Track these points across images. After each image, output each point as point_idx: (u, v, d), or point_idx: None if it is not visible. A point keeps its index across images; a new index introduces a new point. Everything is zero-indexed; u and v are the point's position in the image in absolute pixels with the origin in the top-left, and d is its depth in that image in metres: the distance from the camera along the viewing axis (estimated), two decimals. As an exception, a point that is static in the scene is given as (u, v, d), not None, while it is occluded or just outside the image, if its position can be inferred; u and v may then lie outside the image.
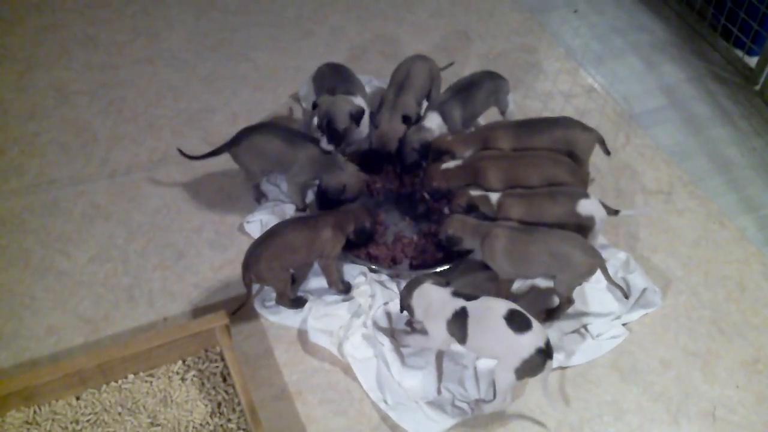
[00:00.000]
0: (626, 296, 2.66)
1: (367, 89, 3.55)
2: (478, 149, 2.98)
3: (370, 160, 3.15)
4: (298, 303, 2.77)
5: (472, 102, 3.13)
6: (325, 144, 2.84)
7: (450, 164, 2.91)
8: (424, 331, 2.56)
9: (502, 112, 3.27)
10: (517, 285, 2.83)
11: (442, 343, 2.50)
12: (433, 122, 3.06)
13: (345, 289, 2.80)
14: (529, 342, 2.31)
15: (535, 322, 2.35)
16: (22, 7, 4.18)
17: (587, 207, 2.68)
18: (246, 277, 2.63)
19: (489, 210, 2.74)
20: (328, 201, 2.92)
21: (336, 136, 2.85)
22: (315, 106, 2.97)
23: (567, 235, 2.57)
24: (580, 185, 2.82)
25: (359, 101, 3.00)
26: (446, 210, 2.99)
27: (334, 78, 3.11)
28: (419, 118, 3.15)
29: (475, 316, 2.38)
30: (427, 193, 2.98)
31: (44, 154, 3.38)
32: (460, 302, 2.43)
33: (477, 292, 2.49)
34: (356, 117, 2.90)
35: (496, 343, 2.35)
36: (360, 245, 2.89)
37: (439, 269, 2.83)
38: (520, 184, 2.81)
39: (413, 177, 3.17)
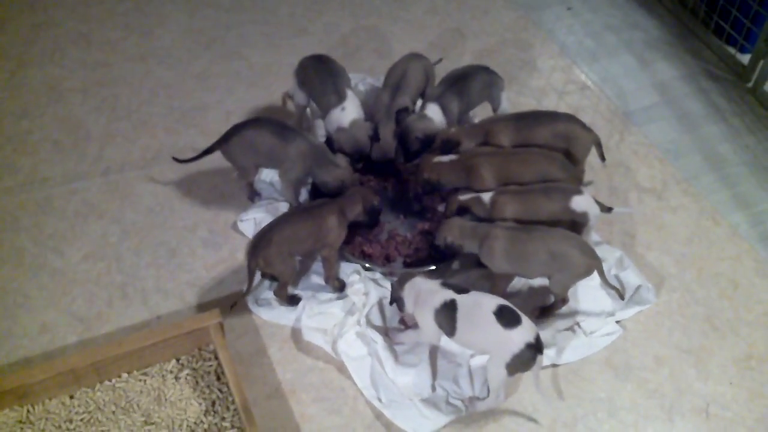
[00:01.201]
0: (622, 297, 2.66)
1: (361, 87, 3.56)
2: (479, 142, 2.98)
3: (370, 165, 3.16)
4: (292, 300, 2.76)
5: (467, 94, 3.13)
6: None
7: (443, 158, 2.90)
8: (416, 326, 2.56)
9: (495, 109, 3.26)
10: (512, 283, 2.83)
11: (432, 336, 2.50)
12: (434, 112, 3.05)
13: (339, 286, 2.80)
14: (518, 337, 2.31)
15: (524, 318, 2.35)
16: (14, 4, 4.16)
17: (581, 203, 2.68)
18: (252, 262, 2.61)
19: (482, 211, 2.73)
20: (322, 196, 2.91)
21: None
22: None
23: (566, 235, 2.57)
24: (573, 182, 2.83)
25: (352, 101, 3.02)
26: (440, 208, 2.99)
27: (319, 74, 3.09)
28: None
29: (464, 310, 2.39)
30: (418, 186, 2.96)
31: (37, 152, 3.36)
32: (450, 294, 2.43)
33: (471, 289, 2.49)
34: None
35: (485, 337, 2.35)
36: (370, 226, 2.86)
37: (432, 267, 2.83)
38: (513, 181, 2.81)
39: (407, 174, 3.16)
